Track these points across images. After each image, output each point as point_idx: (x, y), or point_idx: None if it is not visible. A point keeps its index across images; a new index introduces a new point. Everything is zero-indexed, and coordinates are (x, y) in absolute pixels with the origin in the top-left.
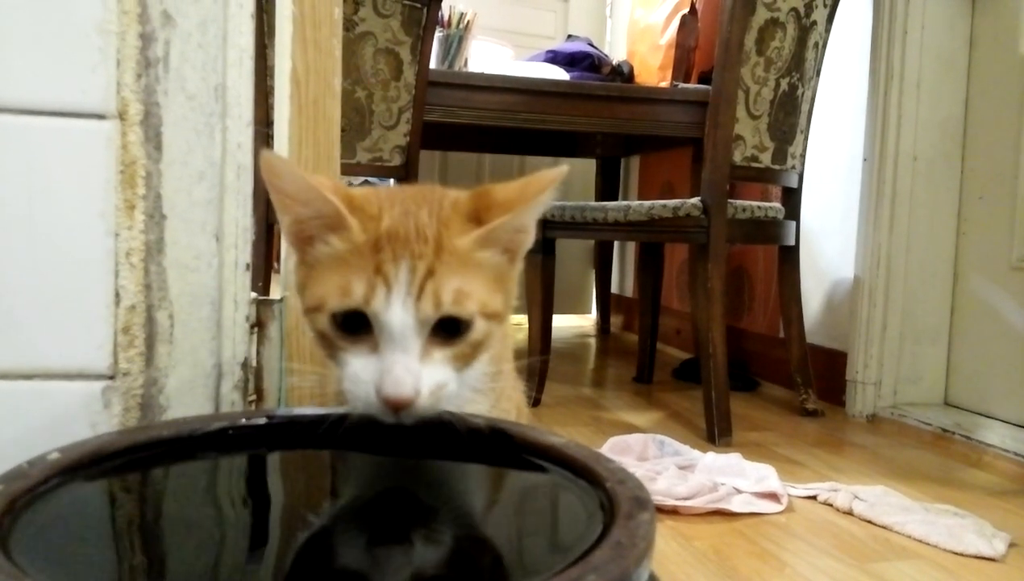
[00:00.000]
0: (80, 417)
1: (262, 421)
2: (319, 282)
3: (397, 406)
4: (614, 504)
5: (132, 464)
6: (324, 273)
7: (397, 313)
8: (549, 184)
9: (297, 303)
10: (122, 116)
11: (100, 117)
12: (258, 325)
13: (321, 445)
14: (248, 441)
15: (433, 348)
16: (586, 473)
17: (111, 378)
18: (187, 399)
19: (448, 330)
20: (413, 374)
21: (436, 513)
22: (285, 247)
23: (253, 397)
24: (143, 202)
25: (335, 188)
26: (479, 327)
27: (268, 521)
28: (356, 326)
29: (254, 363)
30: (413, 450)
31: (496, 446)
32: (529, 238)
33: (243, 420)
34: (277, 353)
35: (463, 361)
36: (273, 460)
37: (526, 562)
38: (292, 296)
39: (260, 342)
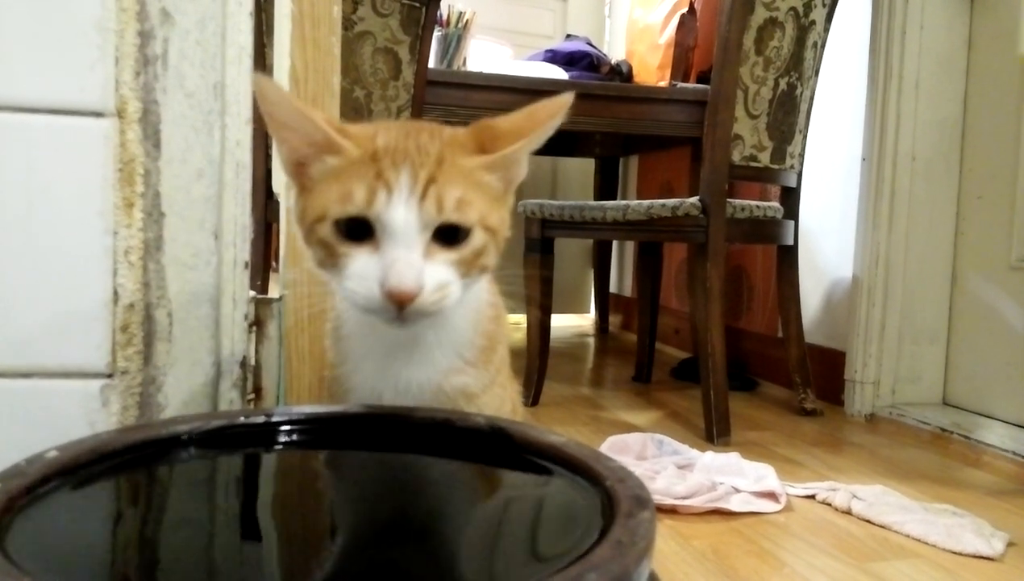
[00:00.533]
0: (78, 415)
1: (260, 420)
2: (320, 195)
3: (401, 299)
4: (614, 503)
5: (130, 463)
6: (324, 187)
7: (400, 212)
8: (559, 109)
9: (298, 231)
10: (120, 114)
11: (98, 115)
12: (256, 323)
13: (320, 443)
14: (247, 440)
15: (435, 250)
16: (586, 472)
17: (109, 376)
18: (185, 397)
19: (449, 238)
20: (416, 268)
21: (435, 512)
22: (284, 246)
23: (252, 395)
24: (142, 200)
25: (328, 120)
26: (479, 236)
27: (266, 521)
28: (358, 234)
29: (252, 361)
30: (412, 448)
31: (495, 445)
32: (522, 171)
33: (242, 418)
34: (276, 351)
35: (464, 267)
36: (271, 459)
37: (526, 561)
38: (290, 294)
39: (259, 340)
